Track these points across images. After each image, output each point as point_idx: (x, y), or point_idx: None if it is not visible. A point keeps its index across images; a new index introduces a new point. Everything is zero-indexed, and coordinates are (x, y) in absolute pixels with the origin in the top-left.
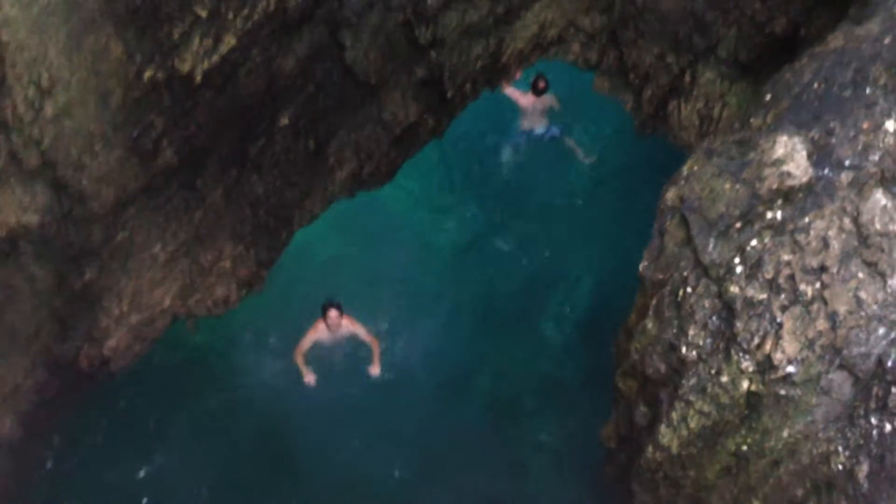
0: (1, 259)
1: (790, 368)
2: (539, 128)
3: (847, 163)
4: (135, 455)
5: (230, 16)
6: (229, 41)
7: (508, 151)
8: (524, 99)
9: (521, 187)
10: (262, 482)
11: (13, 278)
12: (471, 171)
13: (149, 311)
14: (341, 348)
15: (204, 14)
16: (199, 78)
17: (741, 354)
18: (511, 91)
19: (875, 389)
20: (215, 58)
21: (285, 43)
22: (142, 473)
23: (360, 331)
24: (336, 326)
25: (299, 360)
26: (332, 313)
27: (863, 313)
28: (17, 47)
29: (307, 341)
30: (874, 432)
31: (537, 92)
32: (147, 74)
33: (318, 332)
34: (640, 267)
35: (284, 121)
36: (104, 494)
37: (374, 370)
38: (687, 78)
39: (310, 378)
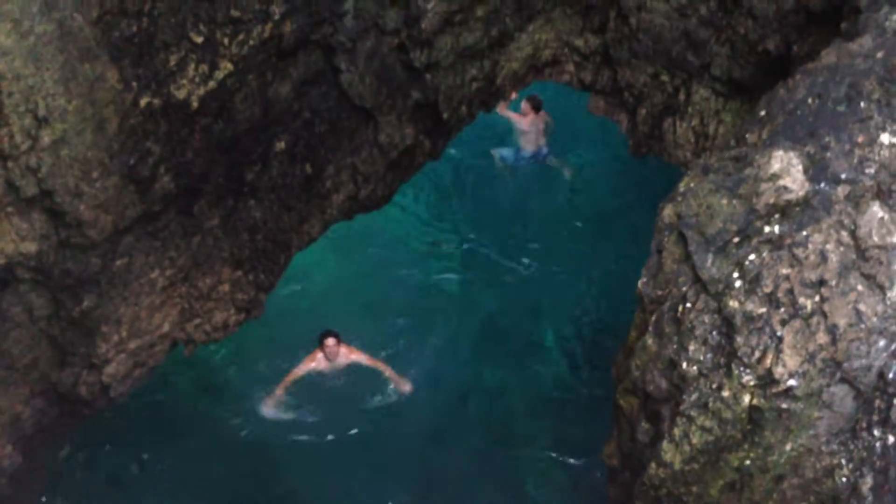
0: None
1: (791, 382)
2: (543, 147)
3: (843, 176)
4: (131, 485)
5: (225, 42)
6: (225, 67)
7: (513, 174)
8: (524, 120)
9: (520, 208)
10: None
11: (11, 306)
12: (471, 192)
13: (148, 337)
14: (341, 378)
15: (199, 40)
16: (195, 104)
17: (742, 369)
18: (509, 113)
19: (877, 402)
20: (211, 84)
21: (281, 68)
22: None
23: (363, 358)
24: (334, 355)
25: (281, 387)
26: (330, 342)
27: (863, 326)
28: (13, 77)
29: (300, 370)
30: (877, 445)
31: (537, 109)
32: (143, 102)
33: (316, 363)
34: (639, 284)
35: (281, 146)
36: None
37: (405, 387)
38: (681, 96)
39: (268, 409)
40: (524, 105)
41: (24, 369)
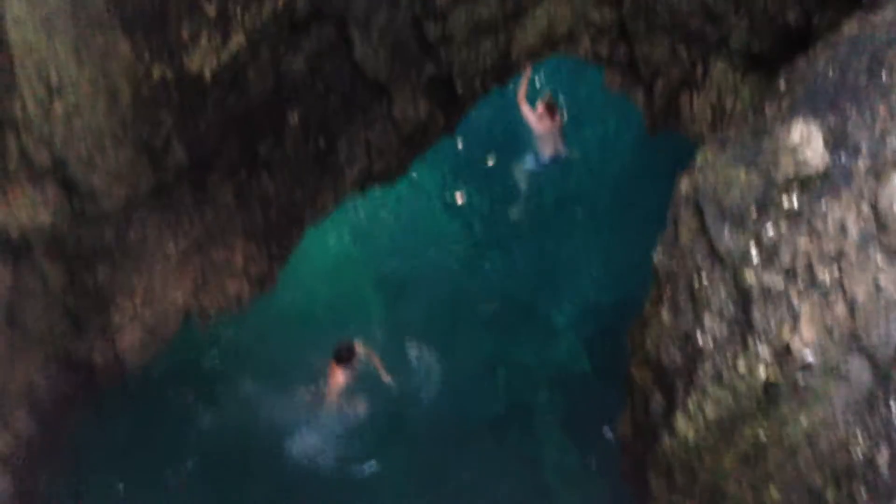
0: (13, 258)
1: (808, 355)
2: (563, 149)
3: (864, 149)
4: (145, 468)
5: (238, 14)
6: (238, 40)
7: (533, 175)
8: (541, 125)
9: (532, 184)
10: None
11: (26, 277)
12: (483, 172)
13: (162, 309)
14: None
15: (212, 13)
16: (208, 77)
17: (758, 342)
18: (527, 112)
19: (895, 375)
20: (224, 56)
21: (294, 41)
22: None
23: (360, 348)
24: (356, 361)
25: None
26: (359, 351)
27: (882, 299)
28: (27, 48)
29: (334, 395)
30: (894, 419)
31: (552, 113)
32: (156, 73)
33: (341, 377)
34: (654, 256)
35: (294, 119)
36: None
37: (385, 378)
38: (699, 70)
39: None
40: (540, 109)
41: (40, 339)
